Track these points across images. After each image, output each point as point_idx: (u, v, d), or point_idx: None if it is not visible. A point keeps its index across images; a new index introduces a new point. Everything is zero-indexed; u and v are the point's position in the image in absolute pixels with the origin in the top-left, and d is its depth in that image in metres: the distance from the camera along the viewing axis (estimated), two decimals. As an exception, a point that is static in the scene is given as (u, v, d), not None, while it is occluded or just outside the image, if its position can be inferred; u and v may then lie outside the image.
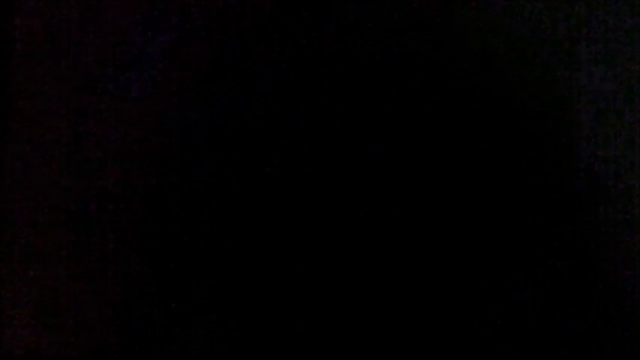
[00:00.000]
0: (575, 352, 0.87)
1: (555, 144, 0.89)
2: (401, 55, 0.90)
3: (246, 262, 0.88)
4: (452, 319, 0.88)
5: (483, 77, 0.89)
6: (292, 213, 0.88)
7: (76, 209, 0.88)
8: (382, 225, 0.88)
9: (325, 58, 0.90)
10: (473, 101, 0.89)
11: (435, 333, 0.88)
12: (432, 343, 0.87)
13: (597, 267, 0.88)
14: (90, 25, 0.90)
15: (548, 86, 0.89)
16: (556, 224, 0.88)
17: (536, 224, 0.88)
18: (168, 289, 0.88)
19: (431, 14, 0.90)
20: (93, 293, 0.87)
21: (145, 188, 0.89)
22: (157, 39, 0.90)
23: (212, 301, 0.88)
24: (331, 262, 0.88)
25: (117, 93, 0.89)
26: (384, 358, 0.87)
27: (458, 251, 0.88)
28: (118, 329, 0.87)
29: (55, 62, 0.89)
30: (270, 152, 0.89)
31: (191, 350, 0.87)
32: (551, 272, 0.88)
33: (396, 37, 0.90)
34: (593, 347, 0.87)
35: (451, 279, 0.88)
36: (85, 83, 0.89)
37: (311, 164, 0.89)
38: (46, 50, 0.89)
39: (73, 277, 0.87)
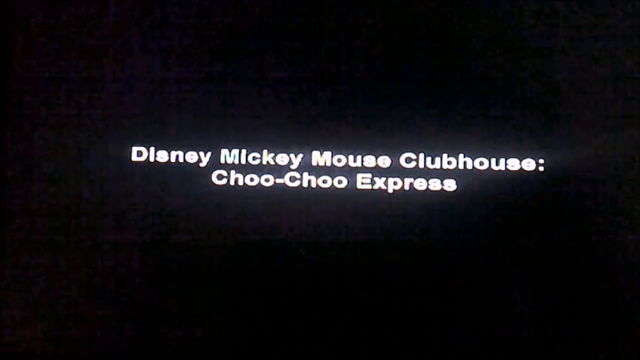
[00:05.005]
0: (575, 352, 0.87)
1: (554, 143, 0.89)
2: (401, 54, 0.90)
3: (246, 261, 0.88)
4: (452, 319, 0.87)
5: (482, 75, 0.89)
6: (291, 209, 0.89)
7: (75, 210, 0.88)
8: (382, 222, 0.88)
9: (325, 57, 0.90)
10: (472, 100, 0.89)
11: (434, 333, 0.88)
12: (432, 343, 0.88)
13: (597, 267, 0.88)
14: (89, 25, 0.90)
15: (547, 84, 0.89)
16: (556, 224, 0.88)
17: (535, 224, 0.88)
18: (167, 289, 0.88)
19: (430, 13, 0.90)
20: (92, 293, 0.87)
21: (144, 187, 0.89)
22: (156, 39, 0.90)
23: (211, 300, 0.88)
24: (330, 261, 0.88)
25: (116, 92, 0.89)
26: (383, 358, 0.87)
27: (457, 252, 0.88)
28: (117, 329, 0.87)
29: (55, 62, 0.89)
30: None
31: (191, 350, 0.87)
32: (550, 272, 0.88)
33: (396, 36, 0.90)
34: (593, 347, 0.87)
35: (451, 279, 0.88)
36: (84, 83, 0.89)
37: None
38: (46, 50, 0.89)
39: (72, 277, 0.87)
